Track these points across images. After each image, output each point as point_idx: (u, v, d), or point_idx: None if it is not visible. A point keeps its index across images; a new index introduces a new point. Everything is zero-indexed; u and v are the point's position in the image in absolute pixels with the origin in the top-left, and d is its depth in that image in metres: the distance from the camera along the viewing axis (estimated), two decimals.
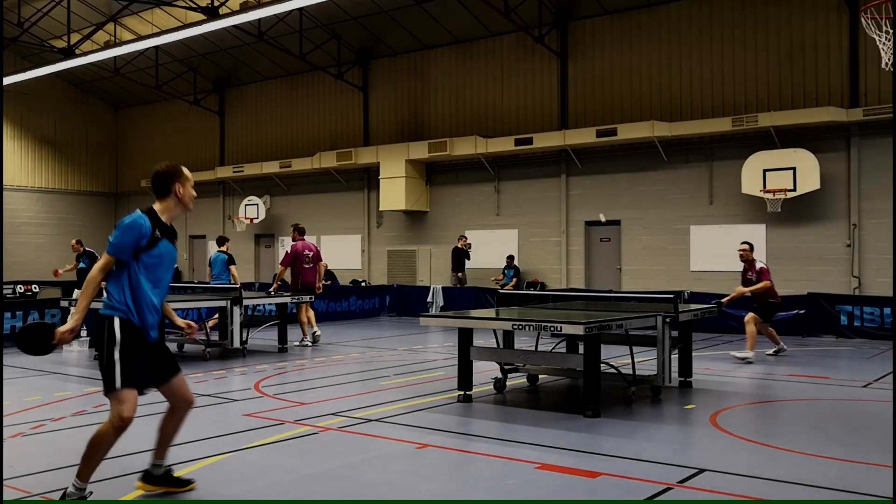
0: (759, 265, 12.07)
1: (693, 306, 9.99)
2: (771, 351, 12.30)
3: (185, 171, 5.04)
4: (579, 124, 19.42)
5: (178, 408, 5.16)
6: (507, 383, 9.03)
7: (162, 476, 5.13)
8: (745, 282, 12.14)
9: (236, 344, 11.80)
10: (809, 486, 5.34)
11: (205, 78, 26.65)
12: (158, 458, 5.14)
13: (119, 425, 4.67)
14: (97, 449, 4.73)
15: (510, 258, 20.37)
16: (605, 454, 6.17)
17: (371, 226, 23.49)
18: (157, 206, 5.04)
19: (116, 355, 4.70)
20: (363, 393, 8.90)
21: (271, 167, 24.62)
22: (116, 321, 4.75)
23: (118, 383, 4.69)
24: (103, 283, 4.91)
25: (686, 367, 9.26)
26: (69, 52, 22.22)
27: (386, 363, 11.44)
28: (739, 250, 12.18)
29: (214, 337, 12.56)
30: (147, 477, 5.14)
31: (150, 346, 4.88)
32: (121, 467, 5.74)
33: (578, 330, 7.35)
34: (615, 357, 9.72)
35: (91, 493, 4.82)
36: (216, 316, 13.46)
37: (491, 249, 21.01)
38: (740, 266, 12.36)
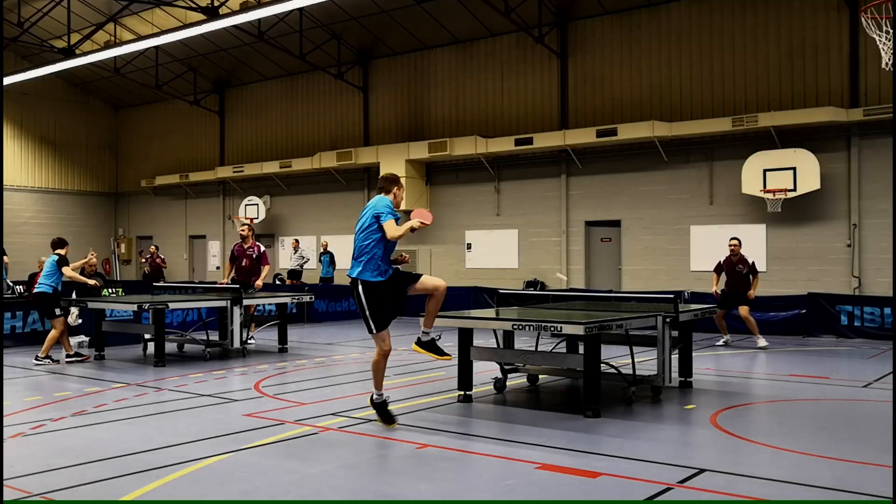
0: (750, 259, 13.45)
1: (693, 306, 9.99)
2: (721, 342, 13.37)
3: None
4: (579, 124, 19.42)
5: (432, 295, 7.09)
6: (507, 383, 9.03)
7: (427, 343, 7.17)
8: (736, 274, 13.34)
9: (236, 344, 11.80)
10: (809, 486, 5.35)
11: (205, 78, 26.65)
12: (426, 327, 7.11)
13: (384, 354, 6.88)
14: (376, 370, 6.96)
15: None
16: (605, 454, 6.17)
17: None
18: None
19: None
20: (363, 393, 8.88)
21: (271, 167, 24.63)
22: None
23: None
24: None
25: (686, 367, 9.26)
26: (69, 52, 22.21)
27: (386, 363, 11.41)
28: (730, 245, 13.49)
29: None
30: (418, 342, 7.18)
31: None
32: (121, 467, 5.75)
33: (578, 330, 7.35)
34: (615, 357, 9.73)
35: (388, 396, 7.12)
36: None
37: (491, 249, 21.01)
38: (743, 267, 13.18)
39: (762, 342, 12.99)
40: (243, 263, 13.54)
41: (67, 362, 11.35)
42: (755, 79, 17.35)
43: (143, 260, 24.24)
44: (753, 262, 13.46)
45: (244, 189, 26.23)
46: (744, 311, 13.10)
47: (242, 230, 13.87)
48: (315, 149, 24.14)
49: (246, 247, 13.57)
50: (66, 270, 11.50)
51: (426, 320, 7.13)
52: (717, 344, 13.25)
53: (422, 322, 7.17)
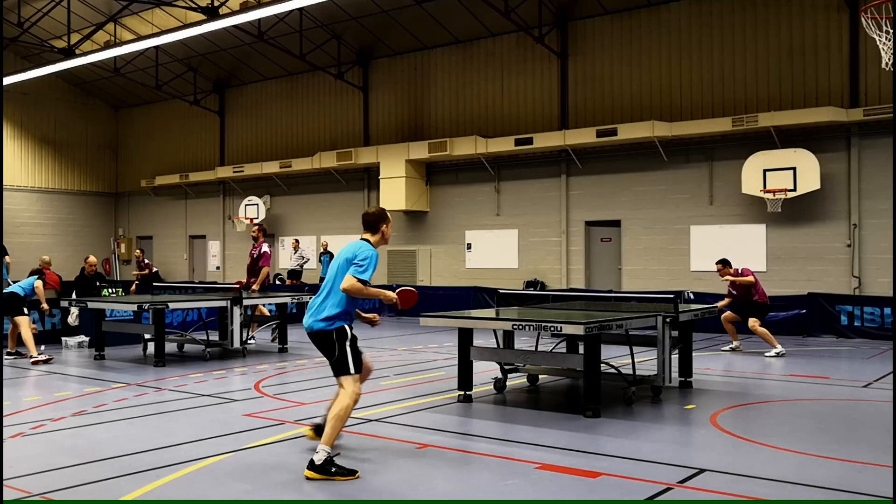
0: (741, 269, 12.68)
1: (693, 306, 10.00)
2: (728, 347, 12.84)
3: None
4: (579, 124, 19.42)
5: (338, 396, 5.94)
6: (507, 383, 9.03)
7: (323, 466, 5.57)
8: (734, 292, 12.67)
9: (236, 344, 11.80)
10: (809, 486, 5.35)
11: (205, 78, 26.65)
12: (326, 443, 5.67)
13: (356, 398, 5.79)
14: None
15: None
16: (605, 454, 6.17)
17: None
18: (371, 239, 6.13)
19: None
20: (363, 393, 8.88)
21: (271, 167, 24.63)
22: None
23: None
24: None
25: (686, 367, 9.26)
26: (69, 52, 22.21)
27: (386, 363, 11.44)
28: (717, 271, 12.79)
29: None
30: (310, 465, 5.55)
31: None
32: (121, 467, 5.75)
33: (578, 330, 7.35)
34: (615, 357, 9.73)
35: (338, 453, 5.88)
36: None
37: (491, 249, 21.01)
38: (742, 266, 12.83)
39: (772, 352, 12.12)
40: (248, 263, 14.02)
41: (8, 354, 11.80)
42: (755, 79, 17.34)
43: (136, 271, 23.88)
44: (736, 270, 12.53)
45: (244, 189, 26.23)
46: (752, 324, 12.24)
47: (253, 231, 14.27)
48: (315, 149, 24.14)
49: (254, 247, 14.06)
50: (38, 285, 12.47)
51: (328, 432, 5.63)
52: (724, 349, 12.75)
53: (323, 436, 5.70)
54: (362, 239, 6.11)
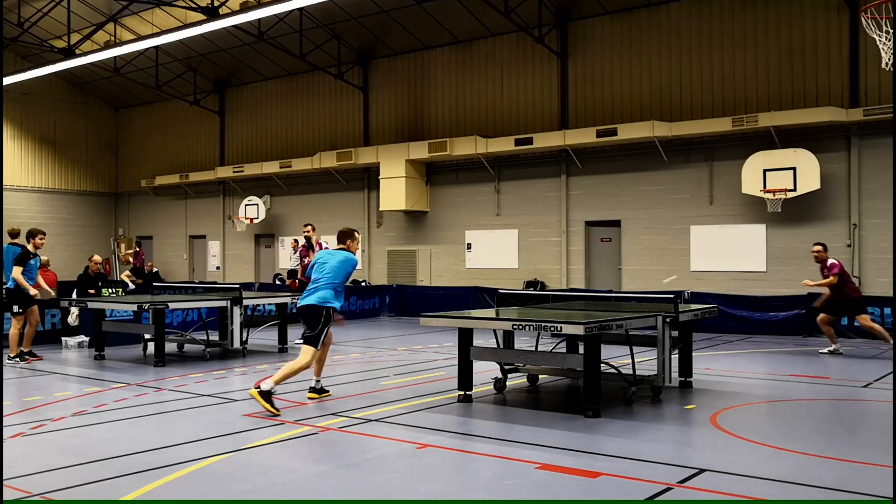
0: (830, 262, 12.57)
1: (693, 306, 9.99)
2: (827, 350, 12.69)
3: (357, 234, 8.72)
4: (579, 124, 19.42)
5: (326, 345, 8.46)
6: (507, 383, 9.03)
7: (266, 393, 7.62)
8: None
9: (236, 344, 11.80)
10: (809, 486, 5.35)
11: (205, 78, 26.65)
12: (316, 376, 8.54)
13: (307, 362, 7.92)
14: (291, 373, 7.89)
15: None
16: (605, 454, 6.17)
17: (371, 226, 23.50)
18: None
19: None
20: (363, 393, 8.90)
21: (271, 167, 24.63)
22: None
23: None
24: None
25: (686, 367, 9.26)
26: (69, 52, 22.21)
27: (386, 363, 11.44)
28: (813, 251, 12.74)
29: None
30: (259, 392, 7.60)
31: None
32: (121, 467, 5.75)
33: (578, 330, 7.35)
34: (615, 357, 9.73)
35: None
36: None
37: (491, 249, 21.01)
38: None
39: (826, 349, 12.58)
40: (306, 262, 14.78)
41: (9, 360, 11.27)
42: (755, 79, 17.34)
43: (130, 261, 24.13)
44: (832, 264, 12.55)
45: (244, 189, 26.23)
46: (864, 321, 12.54)
47: (306, 231, 14.90)
48: (315, 149, 24.14)
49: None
50: (16, 272, 11.07)
51: (278, 375, 7.83)
52: (822, 352, 12.63)
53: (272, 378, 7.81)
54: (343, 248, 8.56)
